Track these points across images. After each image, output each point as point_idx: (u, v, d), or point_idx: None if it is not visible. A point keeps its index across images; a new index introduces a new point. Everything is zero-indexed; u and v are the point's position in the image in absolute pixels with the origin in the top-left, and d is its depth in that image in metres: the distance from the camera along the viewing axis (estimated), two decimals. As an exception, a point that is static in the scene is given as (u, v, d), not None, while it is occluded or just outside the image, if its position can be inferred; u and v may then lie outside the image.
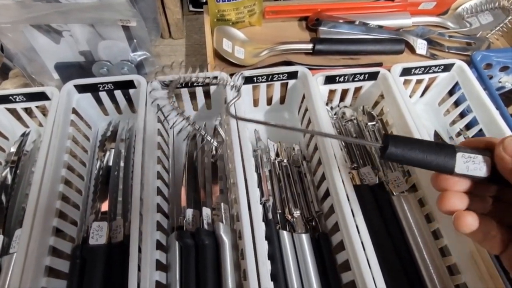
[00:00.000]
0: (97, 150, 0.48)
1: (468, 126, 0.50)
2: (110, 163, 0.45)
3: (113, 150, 0.46)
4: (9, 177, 0.44)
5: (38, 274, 0.34)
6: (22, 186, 0.46)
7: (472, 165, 0.24)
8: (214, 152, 0.47)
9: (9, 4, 0.45)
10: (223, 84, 0.46)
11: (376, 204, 0.41)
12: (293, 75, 0.48)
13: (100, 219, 0.40)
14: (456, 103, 0.53)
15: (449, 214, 0.25)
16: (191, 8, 0.69)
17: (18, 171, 0.45)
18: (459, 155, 0.24)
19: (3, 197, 0.42)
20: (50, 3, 0.46)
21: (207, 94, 0.50)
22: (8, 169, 0.45)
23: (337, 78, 0.48)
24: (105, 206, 0.41)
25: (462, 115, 0.52)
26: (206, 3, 0.58)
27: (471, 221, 0.24)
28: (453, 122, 0.53)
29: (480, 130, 0.47)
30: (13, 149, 0.47)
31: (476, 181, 0.25)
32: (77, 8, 0.46)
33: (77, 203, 0.44)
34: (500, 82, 0.56)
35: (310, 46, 0.57)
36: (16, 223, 0.42)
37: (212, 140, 0.47)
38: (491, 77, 0.56)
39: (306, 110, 0.48)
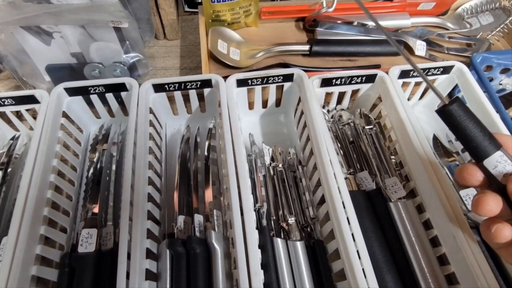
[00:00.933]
0: (88, 154, 0.47)
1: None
2: (102, 166, 0.44)
3: (105, 153, 0.46)
4: (-1, 181, 0.43)
5: (24, 284, 0.33)
6: (11, 190, 0.45)
7: (501, 168, 0.24)
8: (207, 155, 0.46)
9: (-2, 5, 0.44)
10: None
11: (373, 211, 0.40)
12: (288, 77, 0.47)
13: (90, 225, 0.39)
14: (456, 106, 0.51)
15: (466, 184, 0.26)
16: (187, 9, 0.68)
17: (7, 176, 0.44)
18: (498, 153, 0.24)
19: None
20: (40, 4, 0.45)
21: (201, 97, 0.49)
22: (-3, 172, 0.44)
23: (334, 80, 0.47)
24: (95, 212, 0.40)
25: (461, 118, 0.51)
26: (201, 3, 0.57)
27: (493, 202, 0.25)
28: (453, 125, 0.51)
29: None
30: (2, 152, 0.46)
31: (489, 183, 0.26)
32: (68, 9, 0.45)
33: (67, 209, 0.43)
34: (500, 84, 0.55)
35: (307, 47, 0.56)
36: (4, 230, 0.41)
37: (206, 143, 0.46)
38: (491, 79, 0.54)
39: (302, 113, 0.47)
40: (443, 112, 0.25)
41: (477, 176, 0.26)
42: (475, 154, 0.25)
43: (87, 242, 0.37)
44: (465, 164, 0.27)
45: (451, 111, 0.24)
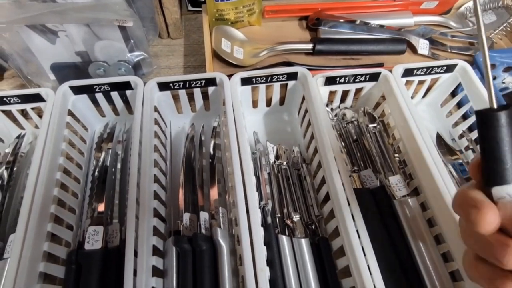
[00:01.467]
0: (93, 152, 0.48)
1: (471, 128, 0.49)
2: (107, 164, 0.45)
3: (110, 151, 0.46)
4: (5, 179, 0.44)
5: (32, 281, 0.33)
6: (18, 188, 0.45)
7: (507, 202, 0.20)
8: (212, 153, 0.46)
9: (4, 3, 0.44)
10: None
11: (377, 208, 0.41)
12: (292, 76, 0.47)
13: (96, 223, 0.39)
14: (459, 105, 0.52)
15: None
16: (190, 8, 0.68)
17: (13, 174, 0.45)
18: None
19: (-2, 200, 0.42)
20: (45, 3, 0.45)
21: (205, 95, 0.49)
22: (3, 171, 0.44)
23: (338, 79, 0.47)
24: (101, 210, 0.40)
25: (465, 116, 0.51)
26: (205, 2, 0.57)
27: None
28: (456, 124, 0.52)
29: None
30: (8, 151, 0.46)
31: None
32: (73, 8, 0.45)
33: (73, 207, 0.43)
34: (503, 83, 0.55)
35: (310, 46, 0.56)
36: (11, 227, 0.41)
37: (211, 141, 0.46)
38: (494, 78, 0.55)
39: (306, 111, 0.47)
40: (486, 116, 0.20)
41: (497, 223, 0.20)
42: (492, 175, 0.21)
43: (94, 239, 0.38)
44: (484, 211, 0.20)
45: (497, 117, 0.20)
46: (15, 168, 0.45)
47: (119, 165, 0.45)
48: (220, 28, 0.57)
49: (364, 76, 0.47)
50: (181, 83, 0.46)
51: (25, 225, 0.34)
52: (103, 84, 0.45)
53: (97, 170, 0.44)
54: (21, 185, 0.45)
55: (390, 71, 0.47)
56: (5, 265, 0.36)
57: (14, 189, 0.44)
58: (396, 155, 0.46)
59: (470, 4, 0.64)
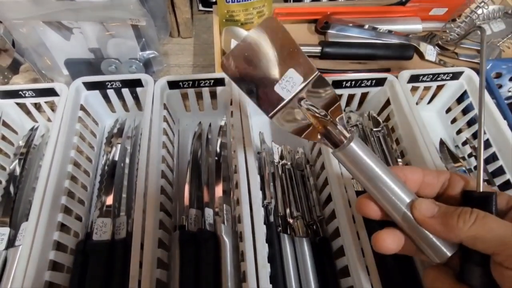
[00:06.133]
0: (103, 146, 0.49)
1: (475, 135, 0.50)
2: (116, 159, 0.46)
3: (119, 146, 0.47)
4: (18, 170, 0.45)
5: (42, 268, 0.35)
6: (29, 179, 0.46)
7: None
8: (218, 151, 0.47)
9: (22, 1, 0.46)
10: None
11: (378, 211, 0.41)
12: (299, 78, 0.48)
13: (104, 215, 0.40)
14: (464, 112, 0.52)
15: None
16: (201, 8, 0.69)
17: (26, 165, 0.46)
18: None
19: (11, 189, 0.43)
20: (62, 0, 0.46)
21: (213, 95, 0.50)
22: (16, 161, 0.46)
23: (344, 83, 0.47)
24: (109, 203, 0.42)
25: (469, 123, 0.51)
26: (215, 2, 0.58)
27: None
28: (460, 131, 0.52)
29: (487, 140, 0.47)
30: (21, 143, 0.48)
31: None
32: (88, 7, 0.46)
33: (83, 198, 0.44)
34: (509, 91, 0.56)
35: (318, 49, 0.57)
36: (22, 215, 0.43)
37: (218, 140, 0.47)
38: (500, 86, 0.55)
39: (312, 114, 0.48)
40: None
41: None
42: None
43: (102, 231, 0.39)
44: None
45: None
46: (28, 159, 0.47)
47: (127, 160, 0.46)
48: (229, 29, 0.58)
49: (370, 81, 0.48)
50: (190, 82, 0.47)
51: (37, 215, 0.36)
52: (115, 81, 0.46)
53: (106, 164, 0.46)
54: (32, 175, 0.47)
55: (396, 76, 0.48)
56: (16, 251, 0.38)
57: (26, 179, 0.46)
58: (399, 159, 0.46)
59: (479, 11, 0.64)
